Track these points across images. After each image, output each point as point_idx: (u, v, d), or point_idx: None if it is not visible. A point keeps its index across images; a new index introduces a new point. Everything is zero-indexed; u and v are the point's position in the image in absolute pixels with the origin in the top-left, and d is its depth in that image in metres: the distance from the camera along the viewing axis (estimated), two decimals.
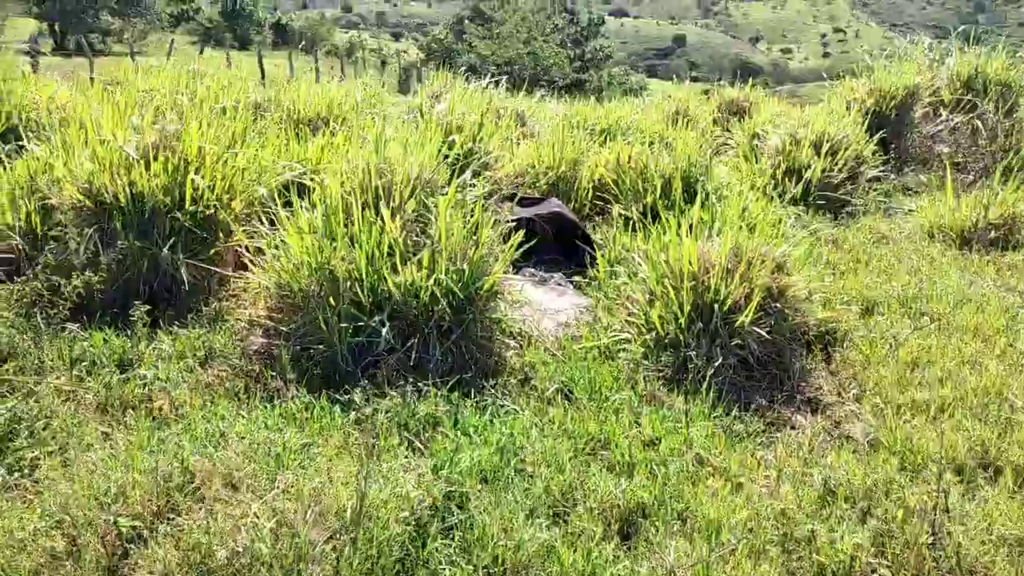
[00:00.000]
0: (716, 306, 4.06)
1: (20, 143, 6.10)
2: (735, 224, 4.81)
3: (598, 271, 5.20)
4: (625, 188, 6.39)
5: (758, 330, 4.02)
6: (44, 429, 3.03)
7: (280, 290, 4.07)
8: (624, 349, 4.19)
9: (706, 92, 14.39)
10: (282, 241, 4.12)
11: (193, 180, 4.57)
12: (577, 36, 40.31)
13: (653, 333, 4.17)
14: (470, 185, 5.05)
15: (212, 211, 4.73)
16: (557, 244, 5.60)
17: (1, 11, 40.42)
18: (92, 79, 15.85)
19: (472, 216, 4.21)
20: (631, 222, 6.03)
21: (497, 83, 10.48)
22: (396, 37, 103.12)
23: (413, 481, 2.77)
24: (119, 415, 3.30)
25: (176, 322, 4.30)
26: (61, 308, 3.85)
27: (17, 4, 44.25)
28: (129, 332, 3.98)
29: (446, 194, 4.41)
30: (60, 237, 4.64)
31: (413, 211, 4.34)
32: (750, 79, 13.55)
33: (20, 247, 4.43)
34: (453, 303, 3.93)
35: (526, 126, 9.12)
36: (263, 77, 21.53)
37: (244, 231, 4.65)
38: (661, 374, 3.98)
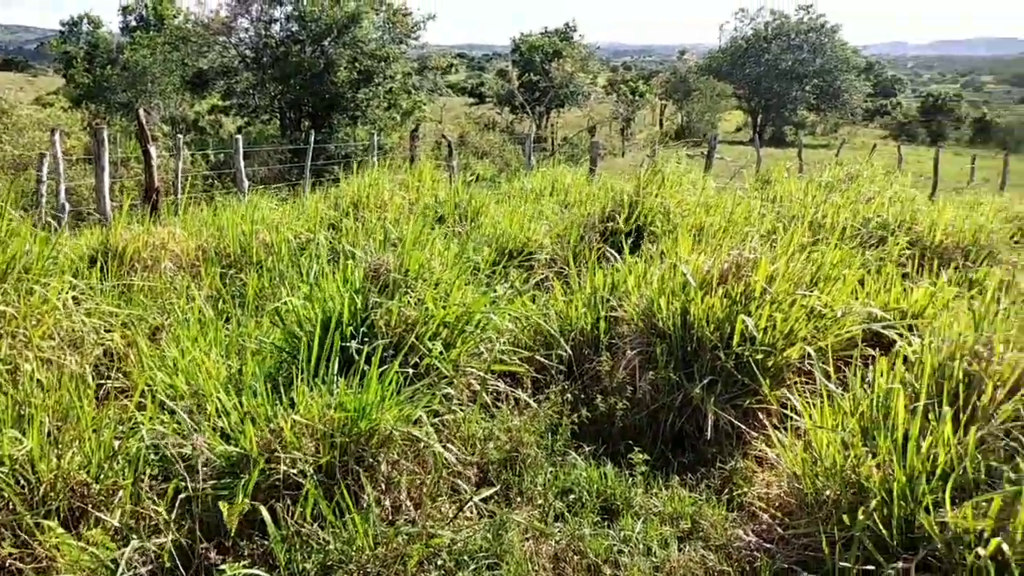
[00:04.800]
0: None
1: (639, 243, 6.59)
2: None
3: None
4: None
5: None
6: (486, 569, 2.96)
7: (792, 479, 3.31)
8: None
9: None
10: (810, 418, 3.36)
11: (743, 320, 4.13)
12: None
13: None
14: None
15: (761, 356, 4.20)
16: None
17: (717, 107, 46.33)
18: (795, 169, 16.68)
19: None
20: None
21: None
22: None
23: None
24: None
25: (689, 472, 3.92)
26: (564, 431, 3.83)
27: (730, 100, 50.27)
28: (632, 472, 3.75)
29: None
30: (617, 348, 4.73)
31: (1004, 422, 3.06)
32: None
33: (570, 356, 4.61)
34: None
35: None
36: (936, 179, 19.73)
37: (784, 389, 4.00)
38: None
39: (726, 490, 3.68)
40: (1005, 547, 2.57)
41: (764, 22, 54.43)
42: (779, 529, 3.20)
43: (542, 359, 4.58)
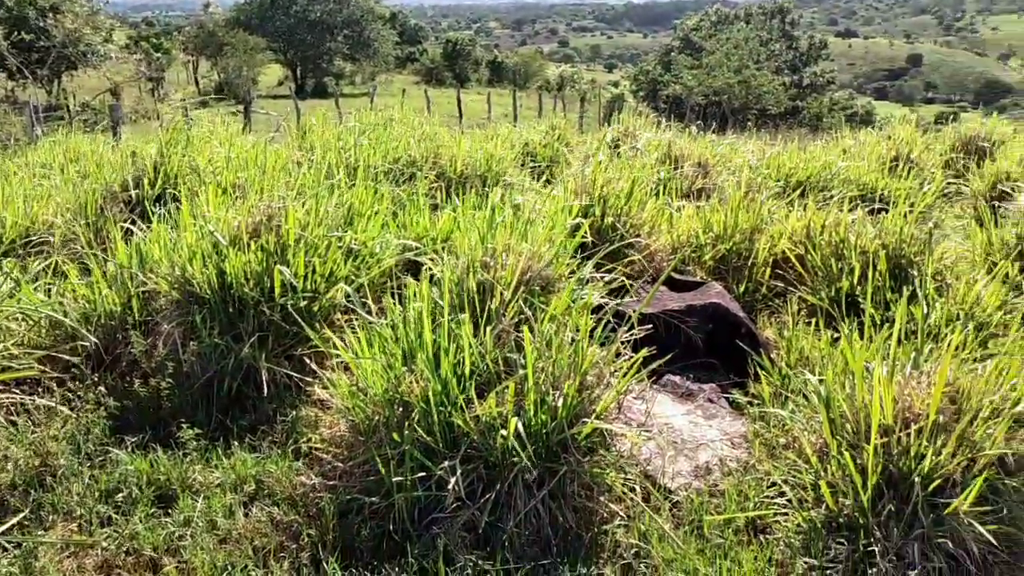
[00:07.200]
0: (917, 480, 2.83)
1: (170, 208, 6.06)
2: (957, 339, 3.48)
3: (763, 385, 4.06)
4: (814, 267, 5.15)
5: (979, 527, 2.73)
6: None
7: (346, 413, 3.40)
8: (781, 523, 3.07)
9: (941, 118, 12.32)
10: (354, 353, 3.46)
11: (280, 270, 4.07)
12: (795, 62, 37.73)
13: (823, 507, 3.01)
14: (597, 279, 4.14)
15: (306, 303, 4.21)
16: (716, 342, 4.52)
17: (253, 61, 44.85)
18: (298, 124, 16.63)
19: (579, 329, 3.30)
20: (818, 313, 4.80)
21: (701, 115, 9.46)
22: (609, 69, 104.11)
23: None
24: None
25: (250, 433, 3.79)
26: (99, 428, 3.43)
27: (266, 53, 49.10)
28: (186, 451, 3.50)
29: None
30: (149, 326, 4.35)
31: (513, 318, 3.51)
32: (997, 111, 11.42)
33: (97, 346, 4.12)
34: (542, 450, 3.04)
35: (708, 177, 8.00)
36: (461, 117, 21.85)
37: (334, 330, 4.07)
38: (829, 572, 2.82)
39: (291, 441, 3.65)
40: (520, 425, 2.96)
41: None
42: (341, 465, 3.27)
43: (64, 355, 4.00)
